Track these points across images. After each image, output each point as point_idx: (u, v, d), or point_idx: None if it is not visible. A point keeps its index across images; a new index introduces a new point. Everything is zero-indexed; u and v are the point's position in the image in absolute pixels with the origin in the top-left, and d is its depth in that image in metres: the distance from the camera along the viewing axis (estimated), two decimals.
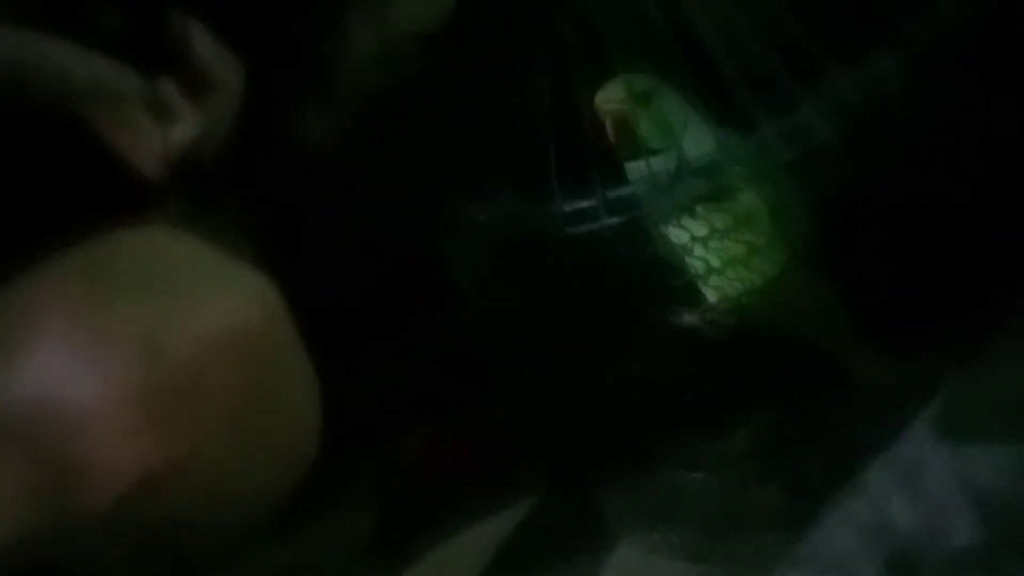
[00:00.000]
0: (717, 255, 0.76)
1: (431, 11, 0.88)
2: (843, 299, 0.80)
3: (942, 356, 0.79)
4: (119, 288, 0.69)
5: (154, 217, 0.77)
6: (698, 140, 0.74)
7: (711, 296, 0.78)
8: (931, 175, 0.75)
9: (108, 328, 0.67)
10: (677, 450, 0.84)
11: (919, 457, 0.75)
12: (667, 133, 0.75)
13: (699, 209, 0.74)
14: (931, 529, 0.73)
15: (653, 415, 0.84)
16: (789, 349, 0.80)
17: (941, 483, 0.74)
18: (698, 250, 0.76)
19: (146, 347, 0.66)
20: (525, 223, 0.75)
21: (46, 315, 0.68)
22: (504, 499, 0.91)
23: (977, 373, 0.78)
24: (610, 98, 0.75)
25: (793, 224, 0.77)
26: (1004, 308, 0.78)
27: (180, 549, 0.69)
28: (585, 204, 0.73)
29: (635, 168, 0.76)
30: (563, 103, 0.75)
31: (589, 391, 0.83)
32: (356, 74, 0.88)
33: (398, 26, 0.88)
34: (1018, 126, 0.75)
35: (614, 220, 0.73)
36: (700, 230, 0.74)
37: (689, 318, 0.79)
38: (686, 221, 0.75)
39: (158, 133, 0.75)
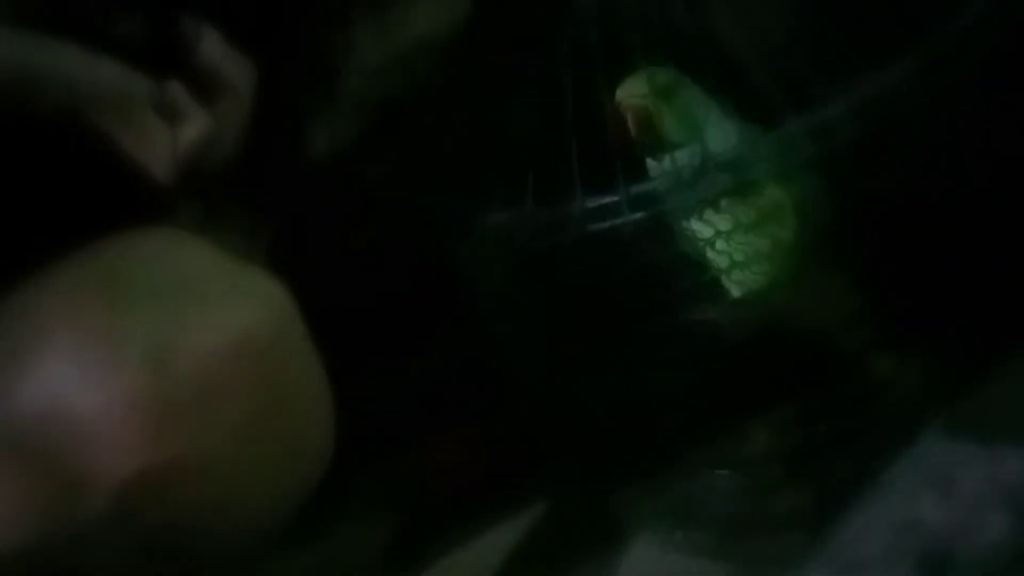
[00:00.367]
0: (741, 250, 0.75)
1: (443, 19, 0.87)
2: (867, 296, 0.79)
3: (968, 354, 0.78)
4: (129, 294, 0.68)
5: (164, 222, 0.76)
6: (722, 134, 0.74)
7: (734, 291, 0.77)
8: (954, 174, 0.74)
9: (117, 336, 0.66)
10: (700, 449, 0.83)
11: (949, 456, 0.74)
12: (690, 127, 0.74)
13: (723, 203, 0.73)
14: (962, 528, 0.72)
15: (675, 414, 0.83)
16: (812, 346, 0.79)
17: (972, 482, 0.73)
18: (721, 245, 0.75)
19: (156, 354, 0.66)
20: (546, 220, 0.74)
21: (55, 322, 0.67)
22: (520, 504, 0.90)
23: (1005, 370, 0.78)
24: (632, 93, 0.74)
25: (817, 220, 0.76)
26: None
27: (192, 558, 0.69)
28: (607, 200, 0.72)
29: (658, 163, 0.75)
30: (585, 98, 0.74)
31: (610, 390, 0.82)
32: (365, 80, 0.87)
33: (409, 33, 0.87)
34: None
35: (637, 216, 0.71)
36: (724, 224, 0.74)
37: (712, 314, 0.78)
38: (710, 215, 0.74)
39: (168, 135, 0.74)
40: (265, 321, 0.70)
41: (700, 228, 0.74)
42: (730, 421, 0.83)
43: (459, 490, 0.90)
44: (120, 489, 0.64)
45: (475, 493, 0.89)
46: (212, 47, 0.76)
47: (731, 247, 0.74)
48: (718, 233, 0.74)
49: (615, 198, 0.72)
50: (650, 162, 0.76)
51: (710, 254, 0.75)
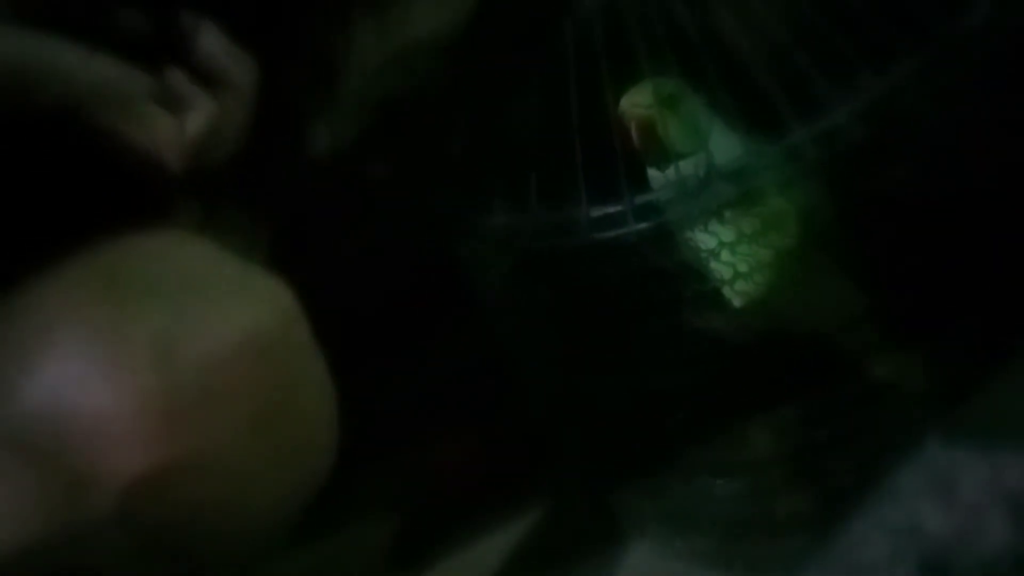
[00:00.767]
0: (745, 260, 0.75)
1: (443, 19, 0.87)
2: (869, 299, 0.80)
3: (969, 358, 0.78)
4: (134, 294, 0.68)
5: (168, 222, 0.76)
6: (726, 145, 0.74)
7: (737, 301, 0.77)
8: (957, 177, 0.74)
9: (122, 335, 0.66)
10: (701, 453, 0.84)
11: (951, 462, 0.75)
12: (694, 137, 0.74)
13: (727, 214, 0.73)
14: (964, 534, 0.72)
15: (676, 416, 0.83)
16: (815, 353, 0.80)
17: (974, 488, 0.73)
18: (725, 255, 0.75)
19: (161, 354, 0.66)
20: (550, 228, 0.74)
21: (60, 321, 0.67)
22: (522, 505, 0.90)
23: (1007, 375, 0.78)
24: (635, 102, 0.74)
25: (820, 228, 0.77)
26: None
27: (196, 557, 0.69)
28: (612, 209, 0.72)
29: (662, 173, 0.75)
30: (590, 104, 0.74)
31: (611, 393, 0.82)
32: (365, 79, 0.87)
33: (409, 33, 0.87)
34: None
35: (642, 226, 0.71)
36: (728, 235, 0.74)
37: (715, 323, 0.79)
38: (714, 226, 0.74)
39: (174, 125, 0.74)
40: (270, 320, 0.70)
41: (704, 239, 0.75)
42: (731, 424, 0.84)
43: (461, 491, 0.90)
44: (125, 488, 0.64)
45: (477, 494, 0.90)
46: (211, 41, 0.76)
47: (735, 258, 0.74)
48: (722, 244, 0.74)
49: (619, 208, 0.72)
50: (654, 172, 0.76)
51: (713, 265, 0.75)
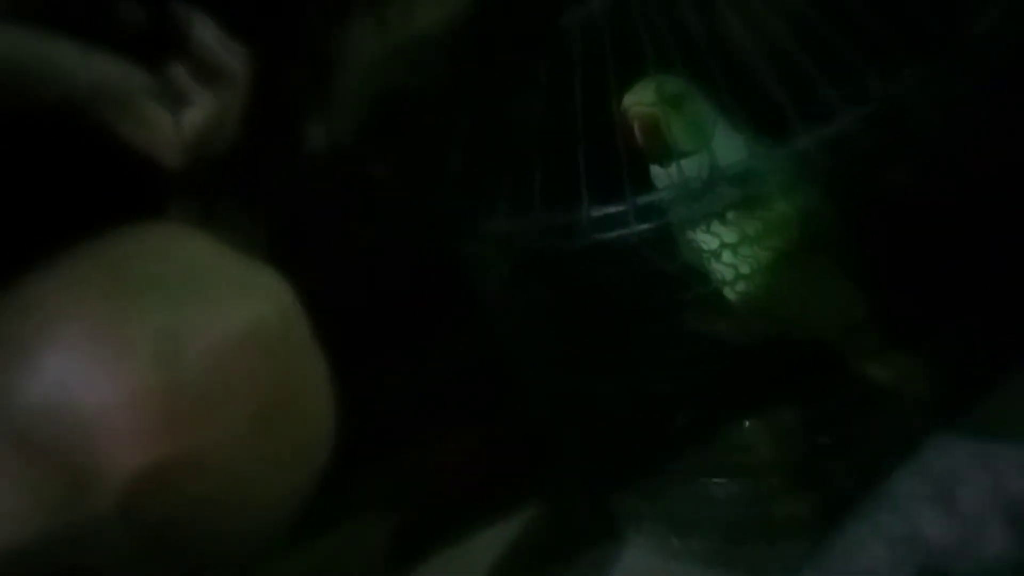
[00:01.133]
0: (746, 262, 0.75)
1: (442, 14, 0.87)
2: (870, 305, 0.79)
3: (970, 365, 0.78)
4: (135, 290, 0.68)
5: (167, 216, 0.76)
6: (731, 147, 0.73)
7: (738, 303, 0.77)
8: (960, 183, 0.74)
9: (124, 332, 0.66)
10: (701, 457, 0.84)
11: (950, 468, 0.74)
12: (698, 137, 0.74)
13: (730, 216, 0.73)
14: (963, 541, 0.72)
15: (676, 418, 0.83)
16: (815, 356, 0.79)
17: (973, 495, 0.73)
18: (727, 257, 0.74)
19: (162, 349, 0.66)
20: (551, 226, 0.74)
21: (62, 317, 0.67)
22: (520, 504, 0.90)
23: (1007, 382, 0.78)
24: (639, 100, 0.74)
25: (822, 230, 0.76)
26: None
27: (196, 554, 0.69)
28: (614, 210, 0.72)
29: (664, 173, 0.74)
30: (595, 104, 0.73)
31: (611, 393, 0.82)
32: (363, 75, 0.87)
33: (408, 28, 0.87)
34: None
35: (644, 227, 0.71)
36: (731, 237, 0.73)
37: (715, 325, 0.78)
38: (716, 227, 0.74)
39: (172, 121, 0.74)
40: (270, 316, 0.70)
41: (706, 240, 0.74)
42: (731, 427, 0.84)
43: (459, 490, 0.90)
44: (126, 484, 0.64)
45: (475, 492, 0.89)
46: (206, 35, 0.76)
47: (736, 259, 0.74)
48: (724, 245, 0.73)
49: (622, 208, 0.72)
50: (658, 173, 0.75)
51: (715, 266, 0.75)
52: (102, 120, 0.73)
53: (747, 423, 0.84)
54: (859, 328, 0.79)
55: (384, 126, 0.88)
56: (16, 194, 0.72)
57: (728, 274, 0.75)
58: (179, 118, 0.74)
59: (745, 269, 0.75)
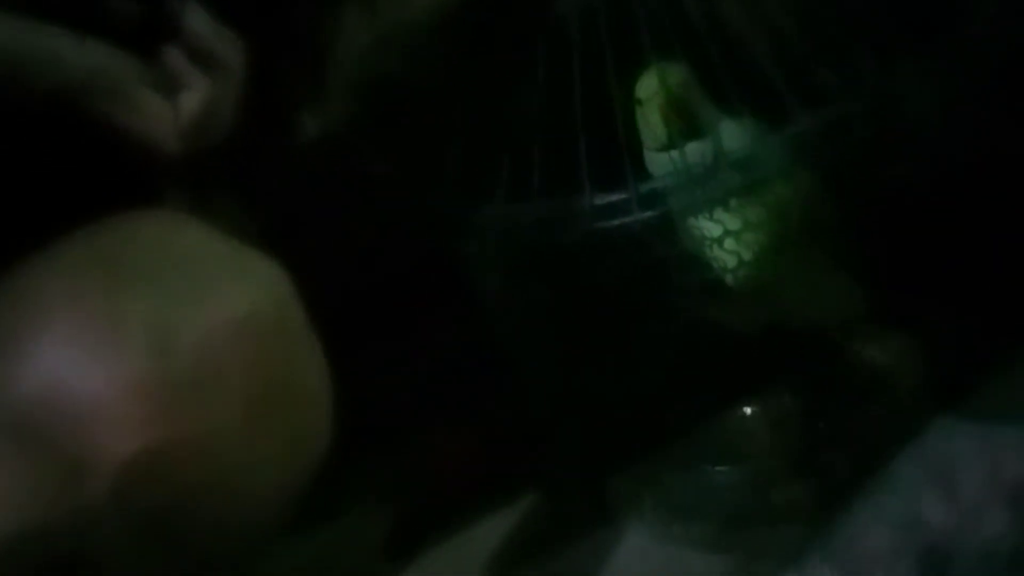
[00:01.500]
0: (749, 248, 0.75)
1: (435, 2, 0.86)
2: (870, 293, 0.80)
3: (969, 352, 0.78)
4: (129, 276, 0.68)
5: (162, 205, 0.76)
6: (733, 133, 0.73)
7: (740, 289, 0.77)
8: (960, 173, 0.74)
9: (118, 318, 0.66)
10: (701, 444, 0.84)
11: (951, 453, 0.75)
12: (702, 123, 0.73)
13: (733, 202, 0.73)
14: (963, 525, 0.72)
15: (675, 406, 0.83)
16: (815, 343, 0.80)
17: (973, 479, 0.73)
18: (730, 243, 0.74)
19: (156, 336, 0.65)
20: (552, 215, 0.74)
21: (55, 305, 0.67)
22: (519, 493, 0.90)
23: (1007, 369, 0.78)
24: (648, 87, 0.73)
25: (822, 217, 0.76)
26: None
27: (192, 542, 0.68)
28: (616, 198, 0.71)
29: (668, 161, 0.74)
30: (594, 92, 0.73)
31: (610, 383, 0.82)
32: (355, 62, 0.87)
33: (400, 14, 0.87)
34: None
35: (647, 214, 0.71)
36: (734, 223, 0.73)
37: (716, 313, 0.78)
38: (719, 214, 0.73)
39: (168, 108, 0.73)
40: (265, 303, 0.70)
41: (709, 227, 0.74)
42: (731, 414, 0.84)
43: (458, 480, 0.90)
44: (119, 470, 0.64)
45: (474, 483, 0.89)
46: (198, 22, 0.75)
47: (739, 246, 0.74)
48: (727, 232, 0.73)
49: (624, 195, 0.71)
50: (654, 161, 0.75)
51: (717, 252, 0.75)
52: (96, 109, 0.72)
53: (747, 410, 0.84)
54: (858, 315, 0.80)
55: (379, 115, 0.88)
56: (8, 183, 0.72)
57: (730, 261, 0.75)
58: (175, 103, 0.73)
59: (747, 256, 0.75)
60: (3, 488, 0.64)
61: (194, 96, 0.74)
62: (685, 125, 0.73)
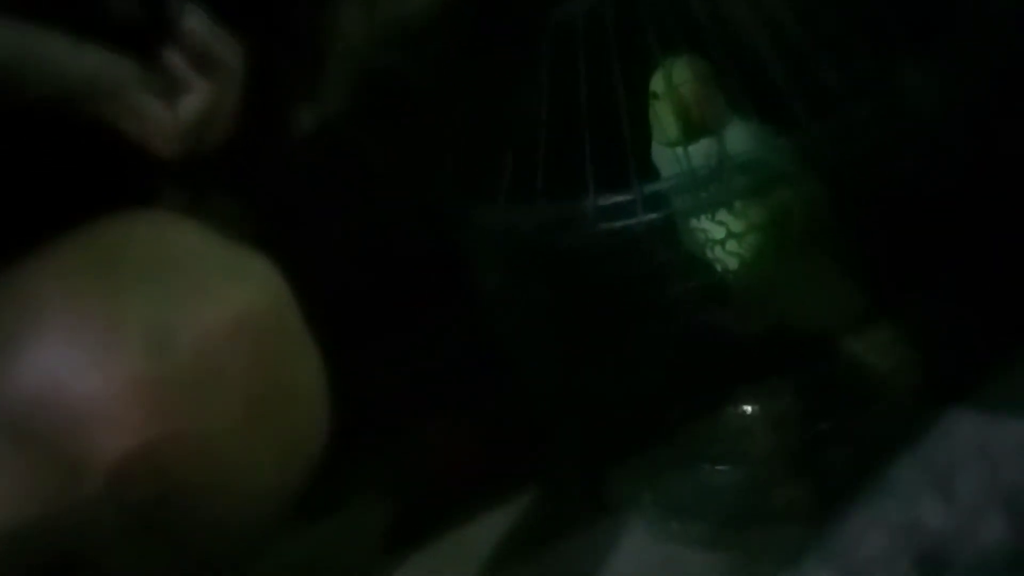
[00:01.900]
0: (752, 251, 0.75)
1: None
2: (871, 295, 0.80)
3: (970, 354, 0.79)
4: (125, 277, 0.68)
5: (158, 205, 0.76)
6: (739, 136, 0.73)
7: (742, 292, 0.77)
8: (963, 176, 0.75)
9: (115, 318, 0.66)
10: (700, 444, 0.84)
11: (949, 457, 0.75)
12: (715, 120, 0.73)
13: (737, 205, 0.73)
14: (961, 529, 0.73)
15: (675, 407, 0.83)
16: (815, 344, 0.80)
17: (971, 483, 0.74)
18: (732, 246, 0.75)
19: (153, 335, 0.66)
20: (556, 216, 0.74)
21: (52, 305, 0.67)
22: (518, 489, 0.90)
23: (1006, 372, 0.78)
24: (665, 81, 0.73)
25: (824, 220, 0.77)
26: None
27: (190, 539, 0.68)
28: (621, 199, 0.71)
29: (674, 157, 0.74)
30: (598, 93, 0.73)
31: (611, 381, 0.82)
32: (352, 59, 0.87)
33: (396, 9, 0.87)
34: None
35: (651, 216, 0.71)
36: (737, 226, 0.73)
37: (718, 314, 0.78)
38: (723, 216, 0.74)
39: (167, 112, 0.73)
40: (261, 302, 0.70)
41: (712, 229, 0.74)
42: (731, 414, 0.84)
43: (457, 478, 0.90)
44: (118, 469, 0.64)
45: (473, 481, 0.90)
46: (197, 24, 0.75)
47: (742, 248, 0.74)
48: (730, 234, 0.74)
49: (629, 197, 0.71)
50: (661, 161, 0.75)
51: (720, 255, 0.75)
52: (95, 112, 0.72)
53: (747, 410, 0.84)
54: (858, 316, 0.80)
55: (378, 112, 0.88)
56: (7, 183, 0.72)
57: (732, 263, 0.75)
58: (175, 106, 0.73)
59: (750, 258, 0.75)
60: (2, 488, 0.64)
61: (194, 99, 0.74)
62: (698, 121, 0.73)
